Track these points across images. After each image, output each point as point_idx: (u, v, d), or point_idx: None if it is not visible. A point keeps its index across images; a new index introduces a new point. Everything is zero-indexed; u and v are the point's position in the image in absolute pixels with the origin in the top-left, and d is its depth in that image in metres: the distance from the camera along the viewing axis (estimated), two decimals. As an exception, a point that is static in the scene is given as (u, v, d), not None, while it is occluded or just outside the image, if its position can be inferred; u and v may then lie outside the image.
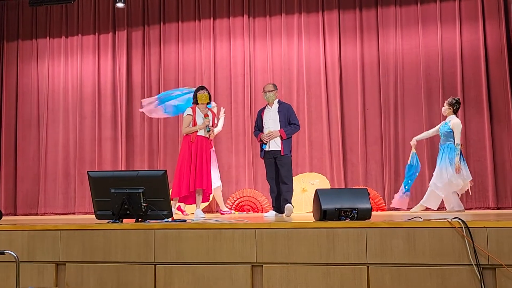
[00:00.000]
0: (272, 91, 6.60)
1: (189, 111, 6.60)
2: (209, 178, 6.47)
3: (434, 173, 7.41)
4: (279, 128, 6.47)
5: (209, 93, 6.66)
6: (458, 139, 7.22)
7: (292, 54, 9.22)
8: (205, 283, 4.34)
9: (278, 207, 6.55)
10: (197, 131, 6.47)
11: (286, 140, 6.48)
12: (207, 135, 6.53)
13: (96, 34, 10.01)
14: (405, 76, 8.76)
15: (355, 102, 8.92)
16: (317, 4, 9.19)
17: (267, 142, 6.47)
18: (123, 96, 9.75)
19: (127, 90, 9.78)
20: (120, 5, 9.56)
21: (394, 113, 8.68)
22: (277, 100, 6.64)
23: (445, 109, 7.46)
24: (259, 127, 6.67)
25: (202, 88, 6.70)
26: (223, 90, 9.44)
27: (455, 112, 7.43)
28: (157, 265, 4.46)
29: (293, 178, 8.68)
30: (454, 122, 7.29)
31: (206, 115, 6.49)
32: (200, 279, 4.35)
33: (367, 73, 8.94)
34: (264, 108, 6.70)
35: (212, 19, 9.57)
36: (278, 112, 6.54)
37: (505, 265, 3.81)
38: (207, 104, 6.66)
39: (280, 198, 6.56)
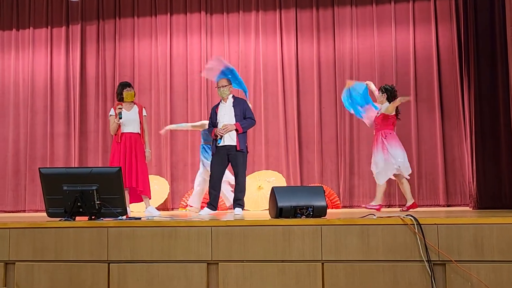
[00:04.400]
0: (226, 86, 6.46)
1: (112, 111, 6.44)
2: (139, 175, 6.26)
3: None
4: (234, 123, 6.33)
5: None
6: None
7: (249, 51, 9.22)
8: (160, 282, 4.29)
9: (215, 206, 6.39)
10: (119, 129, 6.29)
11: (242, 135, 6.32)
12: (138, 131, 6.36)
13: (49, 27, 9.75)
14: (360, 75, 8.87)
15: (311, 101, 9.00)
16: (274, 3, 9.21)
17: (222, 136, 6.28)
18: (77, 91, 9.54)
19: (81, 85, 9.57)
20: (73, -2, 9.35)
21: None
22: (231, 95, 6.52)
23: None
24: (213, 123, 6.48)
25: (128, 85, 6.52)
26: (179, 87, 9.36)
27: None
28: (110, 264, 4.39)
29: (249, 175, 8.75)
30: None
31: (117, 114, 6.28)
32: (155, 278, 4.30)
33: (323, 71, 9.03)
34: (218, 104, 6.55)
35: (168, 14, 9.47)
36: (233, 106, 6.41)
37: (455, 261, 3.92)
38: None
39: (218, 198, 6.45)
